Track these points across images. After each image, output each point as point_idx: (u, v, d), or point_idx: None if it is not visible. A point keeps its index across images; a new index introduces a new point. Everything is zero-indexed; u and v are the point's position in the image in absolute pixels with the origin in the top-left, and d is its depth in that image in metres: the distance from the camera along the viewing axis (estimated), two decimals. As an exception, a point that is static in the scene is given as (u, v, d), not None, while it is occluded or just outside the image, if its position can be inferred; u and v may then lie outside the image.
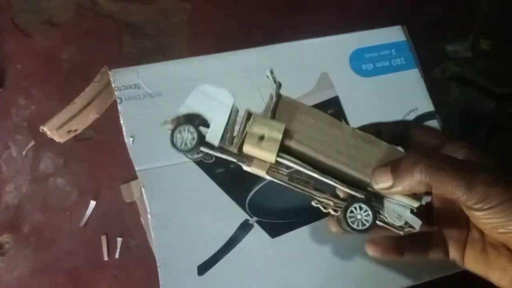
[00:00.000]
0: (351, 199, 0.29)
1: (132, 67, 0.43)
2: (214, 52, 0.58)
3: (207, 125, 0.27)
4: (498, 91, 0.59)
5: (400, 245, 0.32)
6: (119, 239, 0.50)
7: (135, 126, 0.41)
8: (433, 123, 0.44)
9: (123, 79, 0.42)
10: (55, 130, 0.48)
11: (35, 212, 0.51)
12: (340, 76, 0.45)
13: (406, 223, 0.28)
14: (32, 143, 0.54)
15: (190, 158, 0.29)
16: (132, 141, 0.41)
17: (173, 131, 0.27)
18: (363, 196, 0.28)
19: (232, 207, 0.40)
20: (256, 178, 0.37)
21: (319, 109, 0.29)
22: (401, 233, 0.29)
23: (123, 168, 0.51)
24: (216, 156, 0.28)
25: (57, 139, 0.50)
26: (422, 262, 0.37)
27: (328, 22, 0.60)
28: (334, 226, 0.33)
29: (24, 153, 0.54)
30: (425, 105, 0.45)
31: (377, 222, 0.28)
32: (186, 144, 0.27)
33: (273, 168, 0.27)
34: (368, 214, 0.28)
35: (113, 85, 0.41)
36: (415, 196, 0.28)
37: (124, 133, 0.41)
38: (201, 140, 0.27)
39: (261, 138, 0.26)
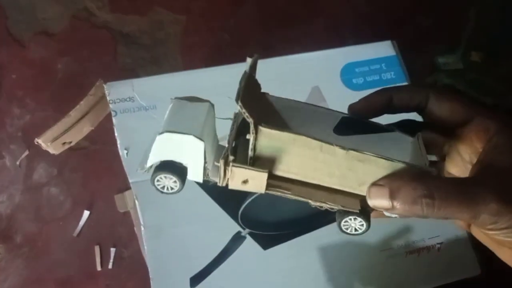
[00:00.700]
0: (345, 212, 0.28)
1: (127, 80, 0.43)
2: (208, 63, 0.58)
3: (183, 168, 0.26)
4: (489, 102, 0.61)
5: None
6: (113, 249, 0.50)
7: (129, 139, 0.41)
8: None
9: (118, 92, 0.42)
10: (50, 142, 0.48)
11: (28, 222, 0.52)
12: (331, 90, 0.46)
13: None
14: (26, 152, 0.54)
15: None
16: (126, 153, 0.41)
17: (152, 180, 0.26)
18: (357, 210, 0.27)
19: (225, 219, 0.41)
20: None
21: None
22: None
23: (117, 178, 0.52)
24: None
25: (51, 151, 0.50)
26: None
27: (319, 35, 0.61)
28: None
29: (18, 163, 0.54)
30: (415, 118, 0.46)
31: None
32: (170, 187, 0.27)
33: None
34: (363, 224, 0.27)
35: (108, 98, 0.42)
36: None
37: (119, 145, 0.41)
38: (184, 179, 0.26)
39: (245, 181, 0.25)
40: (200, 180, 0.26)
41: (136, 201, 0.40)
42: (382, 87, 0.29)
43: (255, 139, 0.24)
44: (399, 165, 0.25)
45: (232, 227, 0.41)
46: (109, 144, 0.52)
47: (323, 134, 0.28)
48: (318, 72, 0.46)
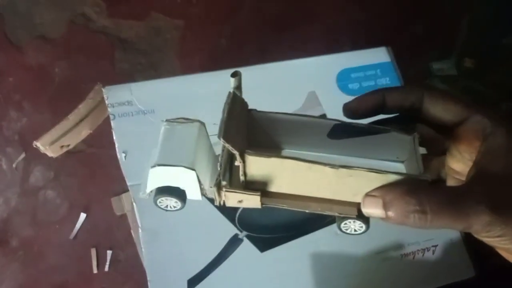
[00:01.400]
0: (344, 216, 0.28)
1: (125, 84, 0.43)
2: (205, 68, 0.59)
3: (181, 190, 0.27)
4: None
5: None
6: (109, 252, 0.50)
7: (127, 142, 0.42)
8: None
9: (117, 96, 0.43)
10: (48, 145, 0.49)
11: (24, 225, 0.51)
12: (327, 95, 0.46)
13: None
14: (23, 156, 0.54)
15: None
16: (125, 156, 0.41)
17: (154, 202, 0.28)
18: (355, 215, 0.27)
19: (222, 222, 0.41)
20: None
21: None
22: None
23: (114, 181, 0.52)
24: None
25: (50, 154, 0.50)
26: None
27: (316, 41, 0.62)
28: None
29: (14, 166, 0.54)
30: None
31: None
32: (173, 206, 0.28)
33: None
34: (362, 226, 0.28)
35: (106, 101, 0.42)
36: None
37: (117, 149, 0.42)
38: (184, 199, 0.28)
39: (240, 201, 0.26)
40: (199, 199, 0.27)
41: (134, 204, 0.40)
42: (376, 88, 0.29)
43: (244, 166, 0.25)
44: (390, 176, 0.25)
45: (229, 229, 0.41)
46: (106, 147, 0.52)
47: (315, 144, 0.28)
48: (314, 77, 0.47)
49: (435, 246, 0.42)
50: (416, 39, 0.64)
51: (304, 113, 0.44)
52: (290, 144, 0.29)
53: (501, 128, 0.26)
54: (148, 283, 0.39)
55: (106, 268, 0.50)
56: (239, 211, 0.41)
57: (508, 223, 0.24)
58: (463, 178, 0.28)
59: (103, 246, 0.51)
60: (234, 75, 0.27)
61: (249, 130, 0.28)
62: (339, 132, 0.28)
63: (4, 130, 0.55)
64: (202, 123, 0.28)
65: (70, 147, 0.52)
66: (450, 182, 0.31)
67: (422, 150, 0.29)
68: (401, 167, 0.29)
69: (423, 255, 0.42)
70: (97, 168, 0.54)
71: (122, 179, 0.42)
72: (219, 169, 0.25)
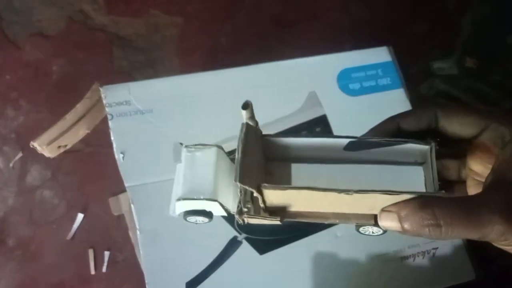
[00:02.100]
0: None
1: (123, 83, 0.43)
2: (204, 66, 0.58)
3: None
4: (479, 109, 0.61)
5: None
6: (107, 253, 0.50)
7: (125, 142, 0.41)
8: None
9: (114, 95, 0.42)
10: (45, 146, 0.48)
11: (21, 225, 0.51)
12: (328, 95, 0.46)
13: None
14: (20, 154, 0.54)
15: None
16: (123, 157, 0.41)
17: (184, 219, 0.30)
18: (372, 224, 0.28)
19: (221, 224, 0.40)
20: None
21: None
22: None
23: (111, 180, 0.51)
24: None
25: (47, 154, 0.50)
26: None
27: (316, 40, 0.61)
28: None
29: (11, 165, 0.53)
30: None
31: None
32: (202, 220, 0.30)
33: None
34: (379, 230, 0.28)
35: (104, 101, 0.42)
36: None
37: (115, 149, 0.41)
38: (211, 216, 0.29)
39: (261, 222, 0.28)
40: (226, 215, 0.29)
41: (132, 206, 0.40)
42: (389, 116, 0.30)
43: (262, 197, 0.26)
44: (406, 195, 0.25)
45: (228, 232, 0.41)
46: (104, 147, 0.52)
47: (331, 155, 0.29)
48: (315, 77, 0.46)
49: (436, 248, 0.42)
50: (417, 38, 0.64)
51: (305, 114, 0.45)
52: (305, 158, 0.30)
53: None
54: (146, 286, 0.39)
55: (104, 269, 0.49)
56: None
57: None
58: (483, 180, 0.28)
59: (101, 247, 0.50)
60: (245, 107, 0.27)
61: (265, 156, 0.30)
62: (354, 146, 0.29)
63: (1, 129, 0.55)
64: (220, 147, 0.29)
65: (68, 147, 0.52)
66: (470, 183, 0.31)
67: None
68: (419, 170, 0.29)
69: (423, 257, 0.42)
70: (94, 167, 0.53)
71: (120, 179, 0.41)
72: (239, 196, 0.27)
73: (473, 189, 0.31)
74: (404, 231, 0.25)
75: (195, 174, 0.28)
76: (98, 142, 0.54)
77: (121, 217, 0.51)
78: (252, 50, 0.61)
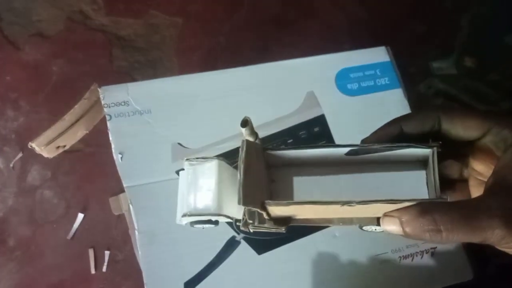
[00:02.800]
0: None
1: (121, 84, 0.43)
2: (204, 66, 0.59)
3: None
4: (482, 108, 0.61)
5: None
6: (107, 252, 0.50)
7: (124, 143, 0.41)
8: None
9: (113, 96, 0.42)
10: (44, 146, 0.48)
11: (21, 225, 0.51)
12: (326, 95, 0.46)
13: None
14: (20, 155, 0.54)
15: None
16: (121, 157, 0.41)
17: (191, 226, 0.30)
18: (375, 224, 0.29)
19: (220, 224, 0.41)
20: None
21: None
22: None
23: (111, 180, 0.52)
24: None
25: (45, 155, 0.50)
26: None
27: (314, 40, 0.61)
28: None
29: (11, 165, 0.53)
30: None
31: None
32: (208, 227, 0.30)
33: None
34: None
35: (102, 102, 0.42)
36: None
37: (113, 150, 0.41)
38: (217, 223, 0.30)
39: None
40: (231, 221, 0.30)
41: (131, 206, 0.40)
42: (392, 119, 0.29)
43: (267, 213, 0.27)
44: (408, 202, 0.26)
45: (226, 232, 0.41)
46: (103, 147, 0.52)
47: (332, 165, 0.29)
48: (313, 77, 0.46)
49: (434, 248, 0.42)
50: (416, 37, 0.64)
51: (304, 114, 0.45)
52: (306, 170, 0.30)
53: None
54: (145, 286, 0.39)
55: (104, 269, 0.50)
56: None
57: None
58: (485, 180, 0.28)
59: (101, 246, 0.51)
60: (244, 124, 0.27)
61: (267, 171, 0.30)
62: (356, 153, 0.29)
63: (1, 129, 0.55)
64: (221, 159, 0.29)
65: (66, 147, 0.52)
66: (473, 182, 0.31)
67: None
68: (421, 176, 0.29)
69: (421, 257, 0.42)
70: (94, 167, 0.54)
71: (119, 179, 0.42)
72: (244, 209, 0.27)
73: (475, 189, 0.31)
74: (406, 235, 0.26)
75: (198, 188, 0.28)
76: (98, 142, 0.54)
77: (121, 217, 0.51)
78: (251, 50, 0.61)
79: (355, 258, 0.42)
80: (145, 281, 0.39)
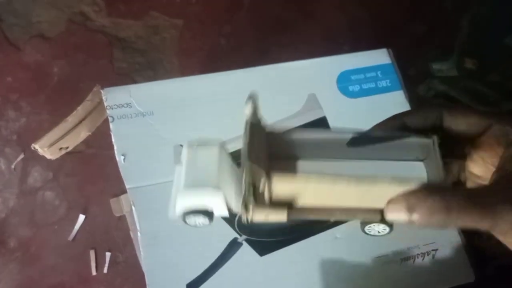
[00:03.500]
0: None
1: (124, 86, 0.43)
2: (204, 68, 0.59)
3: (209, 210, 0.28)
4: (482, 110, 0.61)
5: None
6: (108, 254, 0.50)
7: (126, 145, 0.41)
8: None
9: (115, 98, 0.42)
10: (47, 148, 0.48)
11: (22, 226, 0.51)
12: (327, 97, 0.46)
13: None
14: (21, 156, 0.54)
15: None
16: (123, 159, 0.41)
17: (183, 221, 0.29)
18: (378, 221, 0.28)
19: (221, 225, 0.41)
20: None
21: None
22: None
23: (112, 182, 0.52)
24: None
25: (48, 156, 0.50)
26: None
27: (315, 42, 0.62)
28: None
29: (13, 166, 0.53)
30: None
31: None
32: (202, 223, 0.29)
33: None
34: (385, 228, 0.28)
35: (105, 103, 0.42)
36: None
37: (116, 151, 0.41)
38: (212, 217, 0.29)
39: (267, 217, 0.27)
40: (227, 215, 0.29)
41: (133, 207, 0.40)
42: (394, 114, 0.30)
43: (270, 185, 0.26)
44: (410, 182, 0.26)
45: (228, 233, 0.41)
46: (105, 148, 0.52)
47: (335, 153, 0.29)
48: (315, 79, 0.46)
49: (435, 250, 0.42)
50: (416, 39, 0.64)
51: (305, 116, 0.45)
52: (310, 155, 0.29)
53: None
54: (147, 287, 0.39)
55: (105, 270, 0.50)
56: (239, 214, 0.41)
57: None
58: (484, 183, 0.28)
59: (102, 248, 0.51)
60: (250, 100, 0.27)
61: (270, 152, 0.29)
62: (357, 141, 0.29)
63: (3, 130, 0.55)
64: (222, 143, 0.29)
65: (69, 149, 0.52)
66: (470, 186, 0.31)
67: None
68: (420, 166, 0.29)
69: (423, 259, 0.42)
70: (96, 168, 0.54)
71: (121, 180, 0.42)
72: (244, 186, 0.26)
73: None
74: (412, 222, 0.25)
75: (198, 167, 0.28)
76: (100, 144, 0.54)
77: (122, 218, 0.51)
78: (252, 52, 0.61)
79: (356, 260, 0.42)
80: (147, 282, 0.39)
